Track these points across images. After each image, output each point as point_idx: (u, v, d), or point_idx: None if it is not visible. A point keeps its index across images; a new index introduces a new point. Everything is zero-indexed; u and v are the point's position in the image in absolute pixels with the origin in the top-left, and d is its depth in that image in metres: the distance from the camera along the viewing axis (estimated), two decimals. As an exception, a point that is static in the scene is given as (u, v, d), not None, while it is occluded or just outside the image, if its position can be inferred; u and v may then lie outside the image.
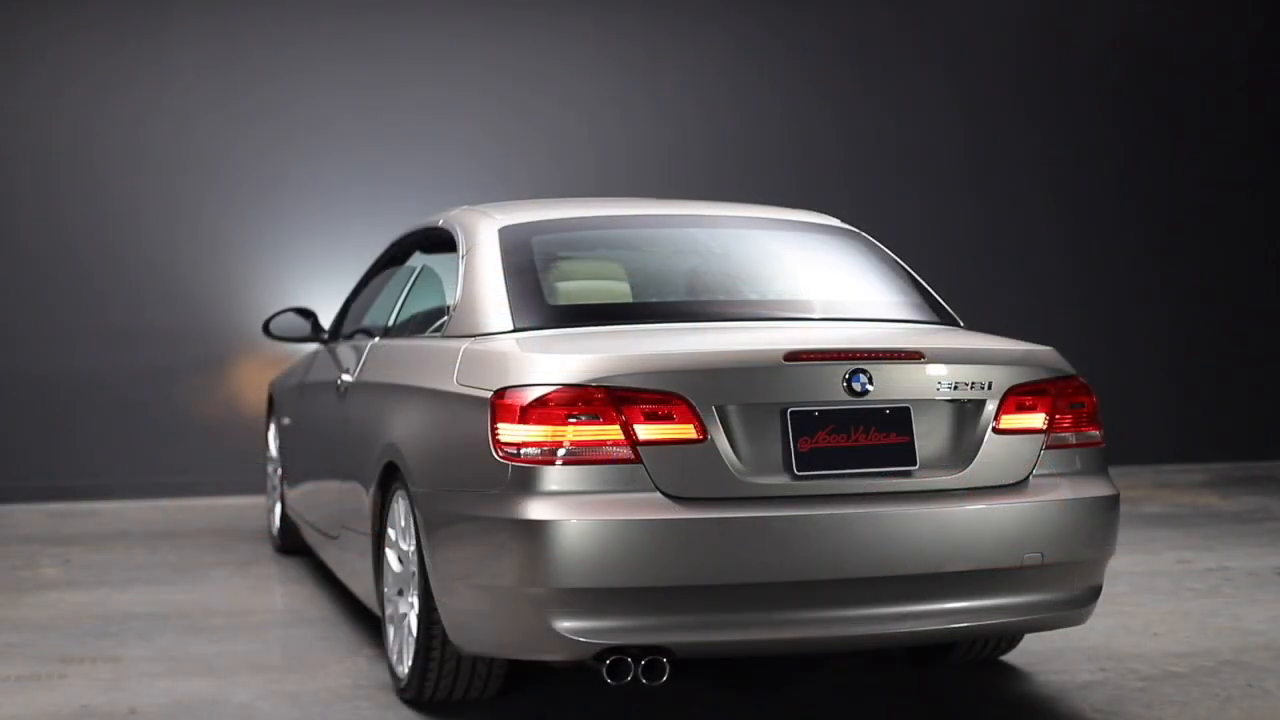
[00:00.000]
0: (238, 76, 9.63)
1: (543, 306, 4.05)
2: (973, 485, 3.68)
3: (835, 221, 4.94)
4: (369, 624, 5.20)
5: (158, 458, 9.38)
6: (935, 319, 4.38)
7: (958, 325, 4.41)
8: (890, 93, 10.60)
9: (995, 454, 3.72)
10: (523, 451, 3.48)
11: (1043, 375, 3.85)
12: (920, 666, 4.58)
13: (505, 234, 4.33)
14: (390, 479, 4.28)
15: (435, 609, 3.83)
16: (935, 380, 3.70)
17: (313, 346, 6.66)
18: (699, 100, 10.28)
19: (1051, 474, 3.80)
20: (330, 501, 5.29)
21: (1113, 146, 11.06)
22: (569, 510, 3.41)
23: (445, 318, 4.32)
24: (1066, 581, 3.79)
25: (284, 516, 6.82)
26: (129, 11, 9.51)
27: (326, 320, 6.32)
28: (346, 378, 5.17)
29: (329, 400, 5.40)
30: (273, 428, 7.21)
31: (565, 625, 3.43)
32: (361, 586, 4.77)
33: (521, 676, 4.30)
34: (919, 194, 10.49)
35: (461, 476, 3.70)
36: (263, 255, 9.62)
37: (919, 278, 4.62)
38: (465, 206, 4.85)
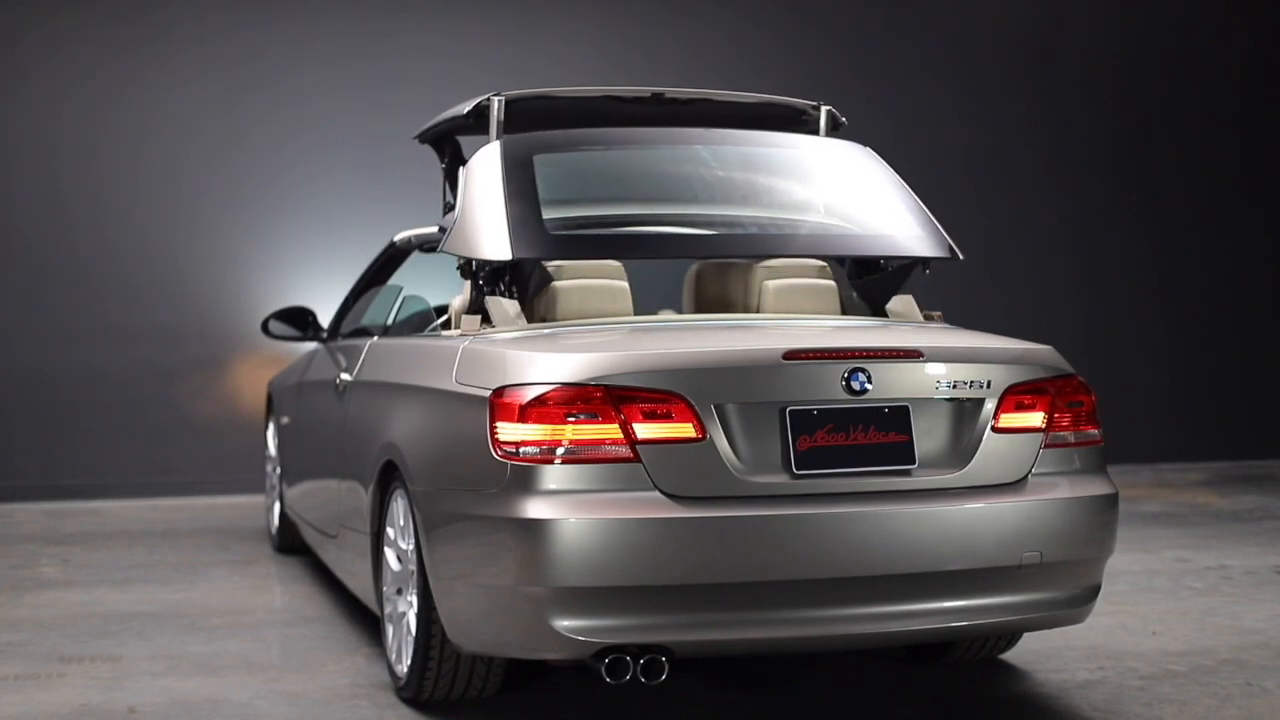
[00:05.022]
0: (238, 78, 9.63)
1: (540, 222, 4.05)
2: (972, 484, 3.68)
3: (847, 144, 4.87)
4: (368, 623, 5.20)
5: (157, 457, 9.38)
6: (936, 245, 4.41)
7: (956, 255, 4.42)
8: (889, 94, 10.59)
9: (994, 453, 3.72)
10: (521, 450, 3.48)
11: (1041, 374, 3.85)
12: (919, 665, 4.58)
13: (507, 146, 4.32)
14: (389, 478, 4.28)
15: (434, 608, 3.82)
16: (934, 379, 3.70)
17: (311, 345, 6.67)
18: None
19: (1050, 473, 3.79)
20: (329, 500, 5.29)
21: (1112, 147, 11.05)
22: (568, 509, 3.41)
23: (445, 232, 4.32)
24: (1065, 580, 3.78)
25: (283, 516, 6.82)
26: (130, 14, 9.51)
27: (325, 319, 6.32)
28: (345, 377, 5.17)
29: (328, 399, 5.40)
30: (271, 427, 7.21)
31: (564, 624, 3.43)
32: (360, 585, 4.77)
33: (521, 675, 4.30)
34: (918, 194, 10.47)
35: (460, 475, 3.70)
36: (262, 255, 9.62)
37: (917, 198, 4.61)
38: None
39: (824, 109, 4.92)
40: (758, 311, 4.54)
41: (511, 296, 4.24)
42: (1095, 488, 3.85)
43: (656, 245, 4.32)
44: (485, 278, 4.29)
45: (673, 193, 4.58)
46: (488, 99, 4.52)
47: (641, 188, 4.58)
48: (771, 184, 4.62)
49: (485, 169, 4.26)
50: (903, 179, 4.71)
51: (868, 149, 4.75)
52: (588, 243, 4.22)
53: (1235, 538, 7.32)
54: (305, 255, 9.59)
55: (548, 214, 4.14)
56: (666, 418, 3.48)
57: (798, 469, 3.55)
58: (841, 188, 4.64)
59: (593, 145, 4.62)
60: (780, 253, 4.43)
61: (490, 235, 4.05)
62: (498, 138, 4.44)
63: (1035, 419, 3.79)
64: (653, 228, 4.47)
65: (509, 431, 3.50)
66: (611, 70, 10.18)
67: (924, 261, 4.48)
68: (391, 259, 6.07)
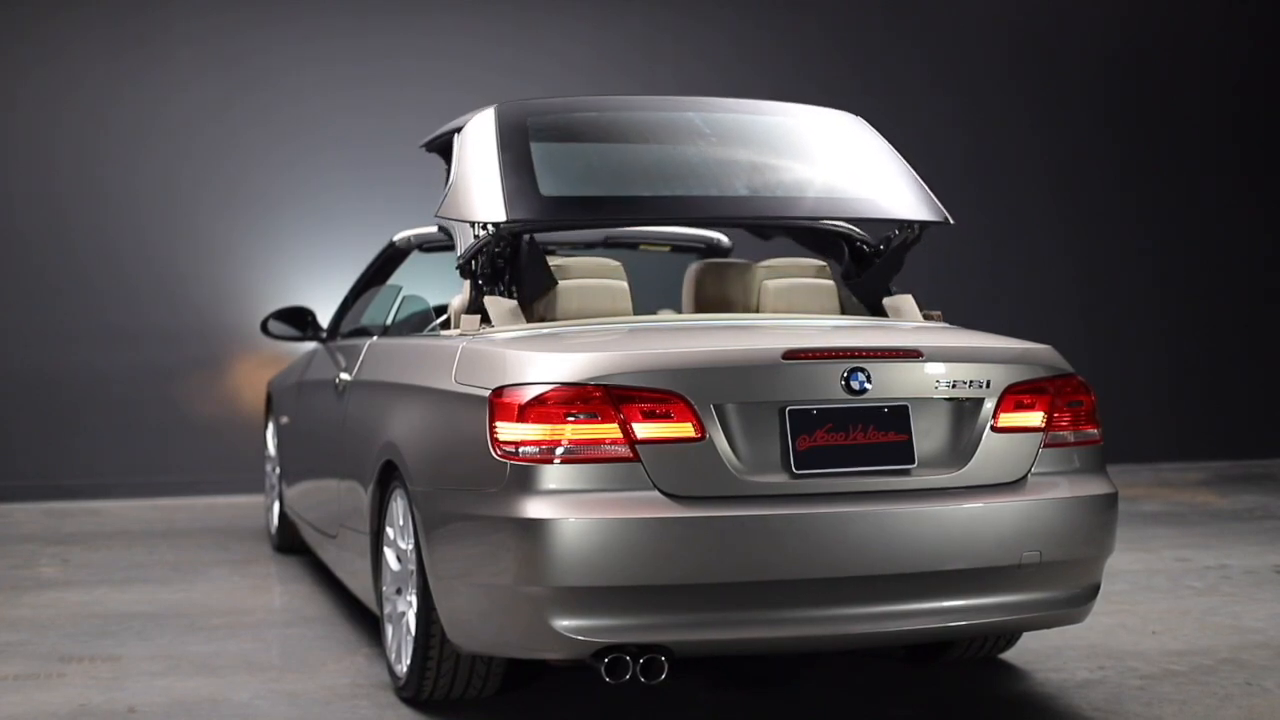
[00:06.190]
0: (237, 77, 9.63)
1: (535, 185, 4.06)
2: (971, 484, 3.68)
3: (838, 112, 4.89)
4: (367, 623, 5.20)
5: (157, 457, 9.38)
6: (929, 210, 4.42)
7: (947, 220, 4.44)
8: (889, 94, 10.59)
9: (993, 452, 3.72)
10: (521, 450, 3.47)
11: (1041, 374, 3.84)
12: (918, 665, 4.58)
13: (502, 112, 4.34)
14: (389, 477, 4.28)
15: (434, 608, 3.82)
16: (934, 379, 3.70)
17: (311, 345, 6.67)
18: (697, 101, 10.26)
19: (1050, 472, 3.79)
20: (329, 500, 5.29)
21: (1112, 146, 11.05)
22: (567, 509, 3.41)
23: (442, 197, 4.32)
24: (1065, 580, 3.78)
25: (282, 515, 6.82)
26: (130, 14, 9.51)
27: (324, 319, 6.32)
28: (345, 376, 5.17)
29: (327, 399, 5.40)
30: (271, 427, 7.21)
31: (564, 624, 3.43)
32: (360, 585, 4.77)
33: (521, 675, 4.30)
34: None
35: (460, 475, 3.70)
36: (262, 255, 9.62)
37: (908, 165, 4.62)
38: None
39: None
40: (757, 311, 4.54)
41: (511, 296, 4.24)
42: (1095, 487, 3.85)
43: (653, 207, 4.31)
44: (484, 277, 4.29)
45: (668, 159, 4.57)
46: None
47: (636, 154, 4.59)
48: (766, 150, 4.62)
49: (480, 134, 4.27)
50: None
51: (859, 118, 4.76)
52: (583, 205, 4.21)
53: (1235, 537, 7.32)
54: (305, 255, 9.59)
55: (542, 178, 4.14)
56: (666, 417, 3.48)
57: (797, 469, 3.55)
58: (836, 154, 4.65)
59: (587, 112, 4.63)
60: (779, 213, 4.42)
61: (484, 198, 4.06)
62: None
63: (1035, 418, 3.79)
64: (648, 192, 4.45)
65: (508, 431, 3.50)
66: (612, 70, 10.19)
67: (916, 234, 4.48)
68: (391, 259, 6.07)
